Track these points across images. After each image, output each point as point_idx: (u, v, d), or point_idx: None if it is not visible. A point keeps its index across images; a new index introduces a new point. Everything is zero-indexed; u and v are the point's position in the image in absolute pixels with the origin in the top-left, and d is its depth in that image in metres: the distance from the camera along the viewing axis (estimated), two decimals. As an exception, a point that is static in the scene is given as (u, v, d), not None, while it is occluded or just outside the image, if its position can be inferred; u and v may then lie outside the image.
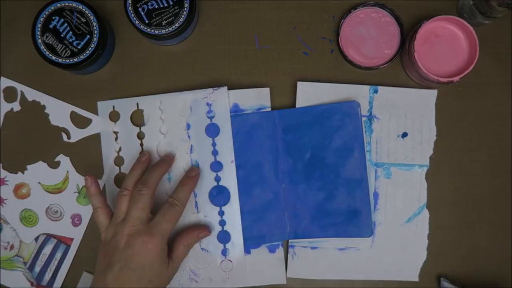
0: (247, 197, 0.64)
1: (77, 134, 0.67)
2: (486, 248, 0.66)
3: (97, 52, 0.63)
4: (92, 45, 0.62)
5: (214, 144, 0.65)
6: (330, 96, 0.65)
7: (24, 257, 0.66)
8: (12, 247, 0.66)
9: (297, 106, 0.65)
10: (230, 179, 0.64)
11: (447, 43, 0.64)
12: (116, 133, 0.66)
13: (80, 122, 0.67)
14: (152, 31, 0.62)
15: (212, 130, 0.65)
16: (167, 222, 0.58)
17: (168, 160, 0.64)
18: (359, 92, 0.65)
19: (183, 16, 0.62)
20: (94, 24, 0.62)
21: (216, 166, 0.65)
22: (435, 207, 0.66)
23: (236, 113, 0.65)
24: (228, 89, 0.65)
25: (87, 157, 0.67)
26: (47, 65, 0.63)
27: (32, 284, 0.66)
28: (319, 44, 0.67)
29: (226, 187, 0.64)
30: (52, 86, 0.67)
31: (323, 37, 0.67)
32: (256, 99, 0.65)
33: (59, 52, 0.62)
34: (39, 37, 0.62)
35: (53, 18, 0.62)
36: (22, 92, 0.67)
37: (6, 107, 0.67)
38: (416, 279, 0.65)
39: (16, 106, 0.67)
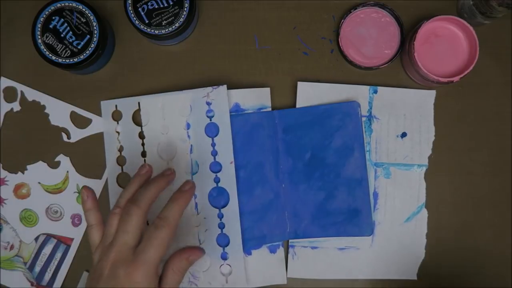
0: (249, 197, 0.64)
1: (77, 134, 0.67)
2: (486, 248, 0.66)
3: (97, 52, 0.63)
4: (92, 45, 0.62)
5: (213, 144, 0.65)
6: (330, 96, 0.65)
7: (24, 257, 0.66)
8: (12, 247, 0.66)
9: (297, 106, 0.65)
10: (229, 181, 0.64)
11: (447, 43, 0.64)
12: (118, 132, 0.66)
13: (80, 122, 0.67)
14: (152, 31, 0.62)
15: (212, 130, 0.65)
16: (153, 249, 0.51)
17: (167, 175, 0.58)
18: (359, 92, 0.65)
19: (183, 16, 0.62)
20: (94, 24, 0.62)
21: (216, 167, 0.65)
22: (434, 206, 0.66)
23: (237, 112, 0.65)
24: (229, 88, 0.65)
25: (87, 157, 0.67)
26: (47, 65, 0.63)
27: (32, 284, 0.66)
28: (319, 44, 0.67)
29: (226, 189, 0.64)
30: (52, 86, 0.67)
31: (323, 37, 0.67)
32: (256, 98, 0.65)
33: (59, 52, 0.62)
34: (39, 37, 0.62)
35: (53, 18, 0.62)
36: (22, 92, 0.67)
37: (6, 107, 0.67)
38: (415, 277, 0.65)
39: (16, 106, 0.67)
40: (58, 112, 0.67)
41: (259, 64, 0.67)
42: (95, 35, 0.62)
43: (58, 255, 0.66)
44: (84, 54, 0.62)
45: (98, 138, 0.67)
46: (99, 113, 0.67)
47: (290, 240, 0.65)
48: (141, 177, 0.57)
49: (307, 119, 0.65)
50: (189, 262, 0.55)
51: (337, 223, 0.64)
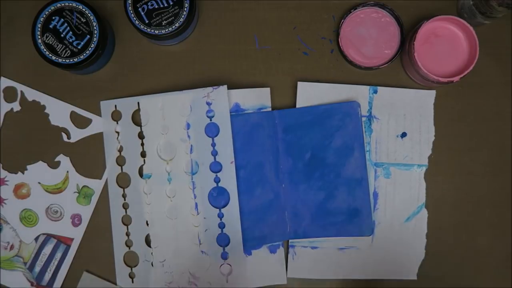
0: (249, 197, 0.64)
1: (77, 134, 0.67)
2: (486, 248, 0.66)
3: (97, 52, 0.63)
4: (92, 45, 0.62)
5: (213, 144, 0.65)
6: (330, 96, 0.65)
7: (24, 257, 0.66)
8: (12, 247, 0.66)
9: (297, 106, 0.65)
10: (229, 181, 0.64)
11: (447, 43, 0.64)
12: (118, 132, 0.66)
13: (80, 122, 0.67)
14: (152, 31, 0.62)
15: (212, 130, 0.65)
16: None
17: None
18: (359, 92, 0.65)
19: (183, 16, 0.62)
20: (94, 24, 0.62)
21: (216, 167, 0.65)
22: (434, 206, 0.66)
23: (237, 112, 0.65)
24: (229, 88, 0.65)
25: (87, 157, 0.67)
26: (47, 65, 0.63)
27: (32, 284, 0.66)
28: (319, 44, 0.67)
29: (226, 189, 0.64)
30: (52, 86, 0.67)
31: (323, 37, 0.67)
32: (256, 98, 0.65)
33: (59, 52, 0.62)
34: (39, 37, 0.62)
35: (53, 18, 0.62)
36: (22, 92, 0.67)
37: (6, 107, 0.67)
38: (415, 277, 0.65)
39: (16, 106, 0.67)
40: (58, 112, 0.67)
41: (259, 64, 0.67)
42: (95, 35, 0.62)
43: (58, 255, 0.66)
44: (84, 54, 0.62)
45: (98, 138, 0.67)
46: (99, 113, 0.67)
47: (290, 240, 0.65)
48: None
49: (307, 119, 0.65)
50: None
51: (337, 223, 0.64)
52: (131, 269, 0.65)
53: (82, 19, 0.62)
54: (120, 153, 0.66)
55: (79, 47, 0.62)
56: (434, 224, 0.66)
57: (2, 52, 0.67)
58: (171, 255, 0.65)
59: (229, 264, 0.64)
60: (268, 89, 0.65)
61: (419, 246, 0.66)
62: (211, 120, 0.65)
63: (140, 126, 0.66)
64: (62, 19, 0.62)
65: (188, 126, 0.65)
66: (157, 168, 0.65)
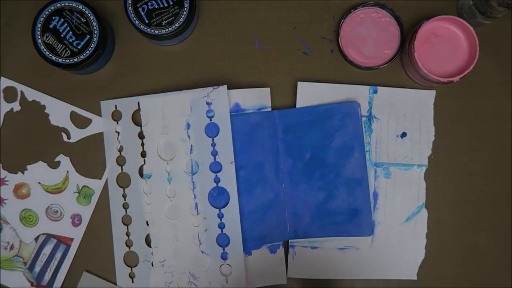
0: (249, 197, 0.64)
1: (77, 134, 0.67)
2: (486, 248, 0.66)
3: (97, 52, 0.63)
4: (92, 45, 0.62)
5: (213, 144, 0.65)
6: (330, 96, 0.65)
7: (24, 257, 0.66)
8: (12, 247, 0.66)
9: (297, 106, 0.65)
10: (229, 181, 0.64)
11: (447, 43, 0.64)
12: (118, 132, 0.66)
13: (80, 122, 0.67)
14: (152, 31, 0.62)
15: (212, 130, 0.65)
16: None
17: None
18: (359, 92, 0.65)
19: (183, 16, 0.62)
20: (94, 24, 0.62)
21: (216, 167, 0.65)
22: (434, 206, 0.66)
23: (237, 112, 0.65)
24: (229, 88, 0.65)
25: (87, 157, 0.67)
26: (47, 65, 0.63)
27: (32, 284, 0.66)
28: (319, 44, 0.67)
29: (226, 189, 0.64)
30: (52, 86, 0.67)
31: (323, 37, 0.67)
32: (257, 98, 0.65)
33: (59, 52, 0.62)
34: (39, 37, 0.62)
35: (53, 18, 0.62)
36: (22, 92, 0.67)
37: (6, 107, 0.67)
38: (415, 277, 0.65)
39: (16, 106, 0.67)
40: (58, 112, 0.67)
41: (259, 64, 0.67)
42: (95, 35, 0.62)
43: (58, 255, 0.66)
44: (84, 54, 0.62)
45: (98, 138, 0.67)
46: (99, 113, 0.67)
47: (290, 240, 0.65)
48: None
49: (307, 119, 0.65)
50: None
51: (337, 223, 0.64)
52: (131, 269, 0.65)
53: (82, 19, 0.62)
54: (120, 153, 0.66)
55: (79, 47, 0.62)
56: (434, 224, 0.66)
57: (2, 52, 0.67)
58: (171, 255, 0.65)
59: (229, 264, 0.64)
60: (268, 89, 0.65)
61: (419, 246, 0.66)
62: (211, 120, 0.65)
63: (140, 126, 0.66)
64: (62, 19, 0.62)
65: (188, 126, 0.65)
66: (157, 168, 0.65)
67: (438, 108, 0.66)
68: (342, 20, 0.65)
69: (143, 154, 0.66)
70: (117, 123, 0.66)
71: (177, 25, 0.62)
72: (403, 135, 0.66)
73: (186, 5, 0.62)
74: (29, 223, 0.66)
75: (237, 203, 0.64)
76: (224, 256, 0.64)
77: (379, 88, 0.66)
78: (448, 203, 0.66)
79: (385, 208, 0.66)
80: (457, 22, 0.63)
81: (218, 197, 0.64)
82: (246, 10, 0.67)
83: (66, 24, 0.62)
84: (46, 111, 0.67)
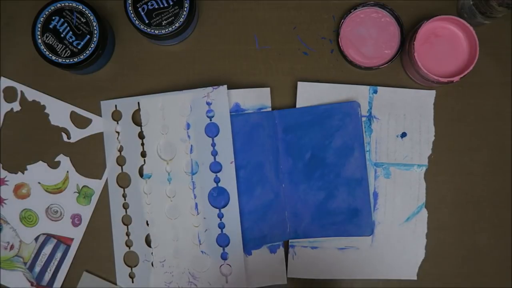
0: (249, 197, 0.64)
1: (77, 134, 0.67)
2: (486, 248, 0.66)
3: (97, 52, 0.63)
4: (92, 45, 0.62)
5: (213, 144, 0.65)
6: (330, 96, 0.65)
7: (24, 257, 0.66)
8: (12, 247, 0.66)
9: (297, 106, 0.65)
10: (229, 181, 0.64)
11: (447, 43, 0.64)
12: (118, 132, 0.66)
13: (80, 122, 0.67)
14: (152, 31, 0.62)
15: (212, 130, 0.65)
16: None
17: None
18: (359, 92, 0.65)
19: (183, 16, 0.62)
20: (94, 24, 0.62)
21: (216, 167, 0.65)
22: (434, 206, 0.66)
23: (237, 112, 0.65)
24: (229, 88, 0.65)
25: (87, 157, 0.67)
26: (47, 65, 0.63)
27: (32, 284, 0.66)
28: (319, 44, 0.67)
29: (226, 189, 0.64)
30: (52, 86, 0.67)
31: (323, 37, 0.67)
32: (257, 98, 0.65)
33: (59, 52, 0.62)
34: (39, 37, 0.62)
35: (53, 18, 0.62)
36: (22, 92, 0.67)
37: (6, 107, 0.67)
38: (415, 277, 0.65)
39: (16, 106, 0.67)
40: (58, 112, 0.67)
41: (259, 64, 0.67)
42: (95, 35, 0.62)
43: (58, 255, 0.66)
44: (84, 54, 0.62)
45: (98, 138, 0.67)
46: (99, 113, 0.67)
47: (290, 240, 0.65)
48: None
49: (307, 119, 0.65)
50: None
51: (337, 223, 0.64)
52: (131, 269, 0.65)
53: (82, 19, 0.62)
54: (120, 153, 0.66)
55: (79, 47, 0.62)
56: (434, 224, 0.66)
57: (2, 52, 0.67)
58: (171, 255, 0.65)
59: (229, 264, 0.64)
60: (268, 89, 0.65)
61: (419, 246, 0.66)
62: (211, 120, 0.65)
63: (140, 126, 0.66)
64: (62, 19, 0.62)
65: (188, 126, 0.65)
66: (157, 168, 0.65)
67: (438, 108, 0.66)
68: (342, 20, 0.65)
69: (143, 154, 0.66)
70: (117, 123, 0.66)
71: (177, 25, 0.62)
72: (403, 135, 0.66)
73: (186, 5, 0.62)
74: (29, 223, 0.66)
75: (237, 203, 0.64)
76: (224, 256, 0.64)
77: (379, 88, 0.66)
78: (448, 203, 0.66)
79: (385, 208, 0.66)
80: (457, 22, 0.63)
81: (218, 197, 0.64)
82: (246, 10, 0.67)
83: (66, 24, 0.62)
84: (46, 111, 0.67)
